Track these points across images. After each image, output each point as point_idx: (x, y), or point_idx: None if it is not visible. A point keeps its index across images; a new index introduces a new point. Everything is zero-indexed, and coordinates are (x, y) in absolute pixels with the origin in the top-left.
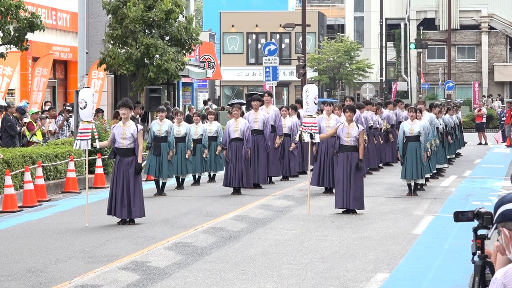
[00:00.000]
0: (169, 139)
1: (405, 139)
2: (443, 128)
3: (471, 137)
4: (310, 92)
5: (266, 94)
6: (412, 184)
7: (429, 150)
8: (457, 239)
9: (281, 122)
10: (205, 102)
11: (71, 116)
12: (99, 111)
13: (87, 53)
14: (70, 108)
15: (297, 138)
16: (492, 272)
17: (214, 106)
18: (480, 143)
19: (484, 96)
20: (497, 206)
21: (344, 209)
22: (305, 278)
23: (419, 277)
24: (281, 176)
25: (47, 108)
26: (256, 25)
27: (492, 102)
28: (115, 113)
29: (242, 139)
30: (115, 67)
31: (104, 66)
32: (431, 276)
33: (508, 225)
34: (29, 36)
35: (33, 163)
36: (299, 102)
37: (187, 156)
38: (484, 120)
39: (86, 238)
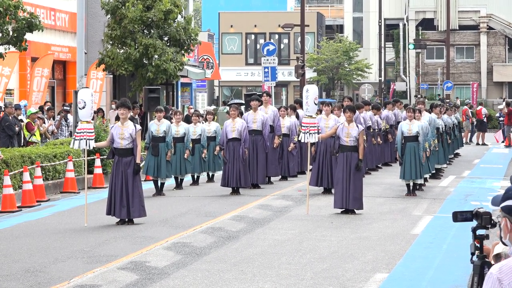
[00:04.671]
0: (167, 139)
1: (403, 139)
2: (442, 128)
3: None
4: (310, 92)
5: (264, 94)
6: (411, 184)
7: (428, 150)
8: (456, 239)
9: (279, 122)
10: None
11: (68, 113)
12: (99, 110)
13: (86, 53)
14: (68, 108)
15: (296, 139)
16: None
17: (213, 107)
18: (478, 143)
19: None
20: (509, 192)
21: (343, 209)
22: (304, 278)
23: (417, 277)
24: (280, 176)
25: (46, 108)
26: (255, 26)
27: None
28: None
29: (240, 139)
30: (114, 67)
31: (103, 66)
32: (430, 276)
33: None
34: (28, 36)
35: (32, 163)
36: (298, 102)
37: (185, 156)
38: (484, 120)
39: (85, 238)
